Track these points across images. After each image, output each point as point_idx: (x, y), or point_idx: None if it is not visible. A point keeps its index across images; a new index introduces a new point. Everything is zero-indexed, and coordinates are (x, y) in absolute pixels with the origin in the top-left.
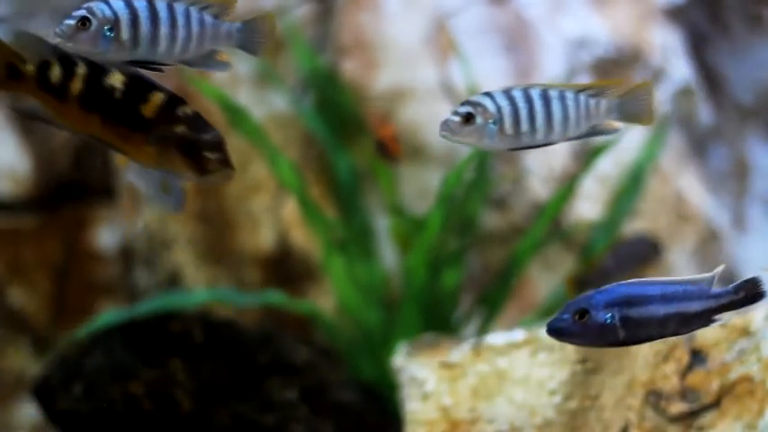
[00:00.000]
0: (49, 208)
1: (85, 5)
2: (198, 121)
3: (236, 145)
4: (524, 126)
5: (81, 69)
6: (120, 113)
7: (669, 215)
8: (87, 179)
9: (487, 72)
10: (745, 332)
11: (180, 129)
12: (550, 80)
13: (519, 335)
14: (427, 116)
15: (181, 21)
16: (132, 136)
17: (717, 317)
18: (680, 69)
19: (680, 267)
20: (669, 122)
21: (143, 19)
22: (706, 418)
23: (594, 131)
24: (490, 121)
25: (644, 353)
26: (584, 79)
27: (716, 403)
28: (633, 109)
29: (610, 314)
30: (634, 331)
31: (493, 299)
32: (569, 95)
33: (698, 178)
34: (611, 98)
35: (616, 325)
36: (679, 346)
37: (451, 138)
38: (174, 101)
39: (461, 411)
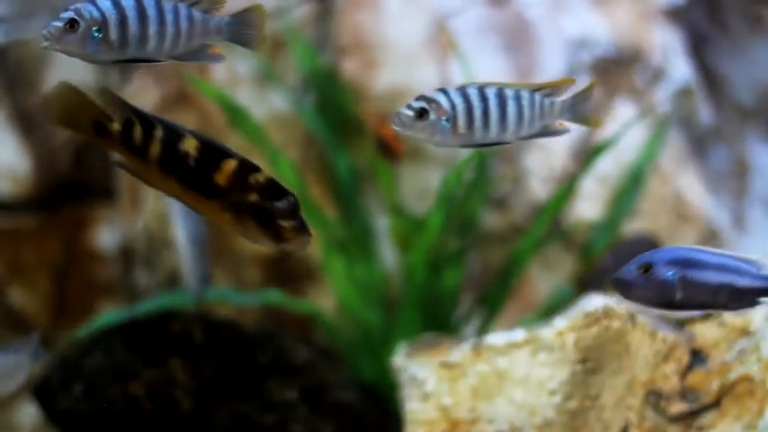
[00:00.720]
0: (49, 208)
1: (73, 7)
2: (271, 189)
3: (236, 145)
4: (478, 124)
5: (158, 132)
6: (195, 180)
7: (669, 215)
8: (87, 179)
9: (487, 72)
10: (745, 332)
11: (253, 197)
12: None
13: (519, 335)
14: None
15: (169, 18)
16: (208, 202)
17: (762, 299)
18: (680, 69)
19: None
20: (669, 122)
21: (131, 18)
22: (706, 418)
23: (546, 132)
24: (443, 117)
25: (644, 353)
26: (586, 80)
27: (716, 403)
28: (584, 110)
29: (672, 271)
30: (690, 294)
31: (493, 299)
32: (524, 95)
33: (698, 178)
34: (564, 98)
35: (676, 284)
36: (679, 346)
37: (404, 131)
38: (247, 168)
39: (461, 411)
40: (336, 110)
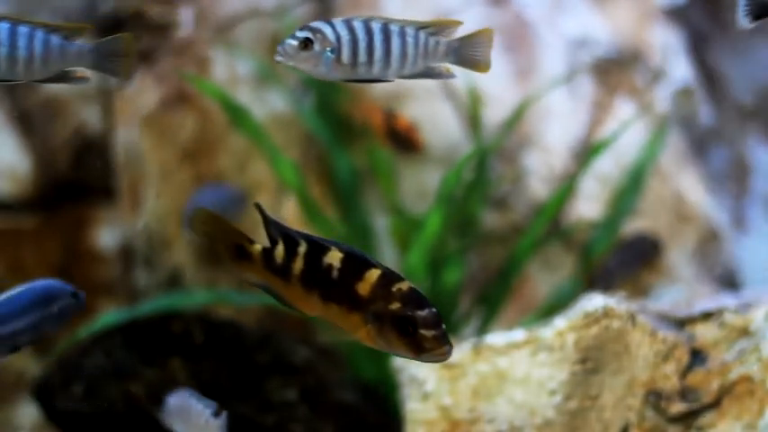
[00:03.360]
0: (48, 208)
1: None
2: (413, 298)
3: (236, 145)
4: (362, 58)
5: (302, 248)
6: (338, 293)
7: (669, 215)
8: (87, 179)
9: (487, 72)
10: (745, 332)
11: (395, 306)
12: (550, 80)
13: (519, 335)
14: (427, 116)
15: (22, 42)
16: (350, 315)
17: None
18: (680, 69)
19: (680, 267)
20: (669, 122)
21: None
22: (706, 418)
23: (430, 73)
24: (328, 48)
25: (644, 353)
26: (586, 80)
27: (716, 403)
28: (471, 55)
29: None
30: None
31: (493, 298)
32: (410, 32)
33: (698, 178)
34: (450, 40)
35: None
36: (679, 346)
37: (287, 62)
38: (389, 277)
39: (461, 411)
40: (336, 110)
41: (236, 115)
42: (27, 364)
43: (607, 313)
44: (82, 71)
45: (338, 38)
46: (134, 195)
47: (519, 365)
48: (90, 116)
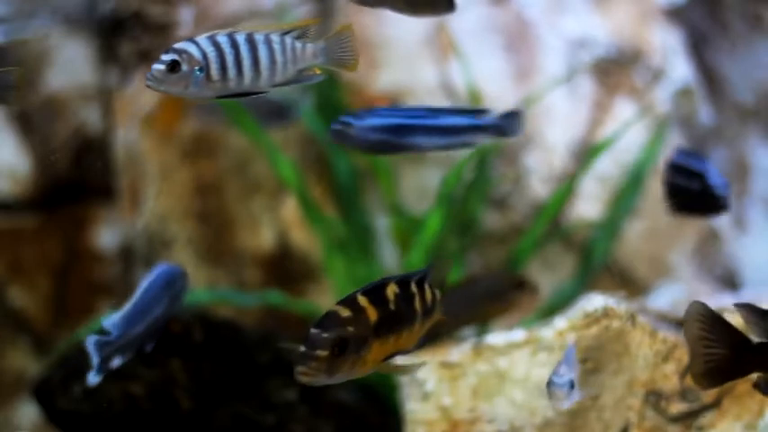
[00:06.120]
0: (48, 208)
1: None
2: (326, 316)
3: (236, 145)
4: (231, 72)
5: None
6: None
7: (669, 215)
8: (87, 179)
9: (487, 72)
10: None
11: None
12: (550, 80)
13: (519, 335)
14: None
15: None
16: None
17: None
18: (680, 69)
19: (680, 267)
20: (669, 122)
21: None
22: (706, 418)
23: (300, 78)
24: (196, 68)
25: (644, 353)
26: (586, 80)
27: (716, 403)
28: (338, 53)
29: None
30: None
31: None
32: (275, 39)
33: None
34: (316, 42)
35: None
36: (679, 346)
37: (158, 87)
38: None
39: (461, 411)
40: (336, 110)
41: (236, 115)
42: (27, 364)
43: (607, 313)
44: None
45: (204, 55)
46: (134, 195)
47: (519, 365)
48: (90, 116)
